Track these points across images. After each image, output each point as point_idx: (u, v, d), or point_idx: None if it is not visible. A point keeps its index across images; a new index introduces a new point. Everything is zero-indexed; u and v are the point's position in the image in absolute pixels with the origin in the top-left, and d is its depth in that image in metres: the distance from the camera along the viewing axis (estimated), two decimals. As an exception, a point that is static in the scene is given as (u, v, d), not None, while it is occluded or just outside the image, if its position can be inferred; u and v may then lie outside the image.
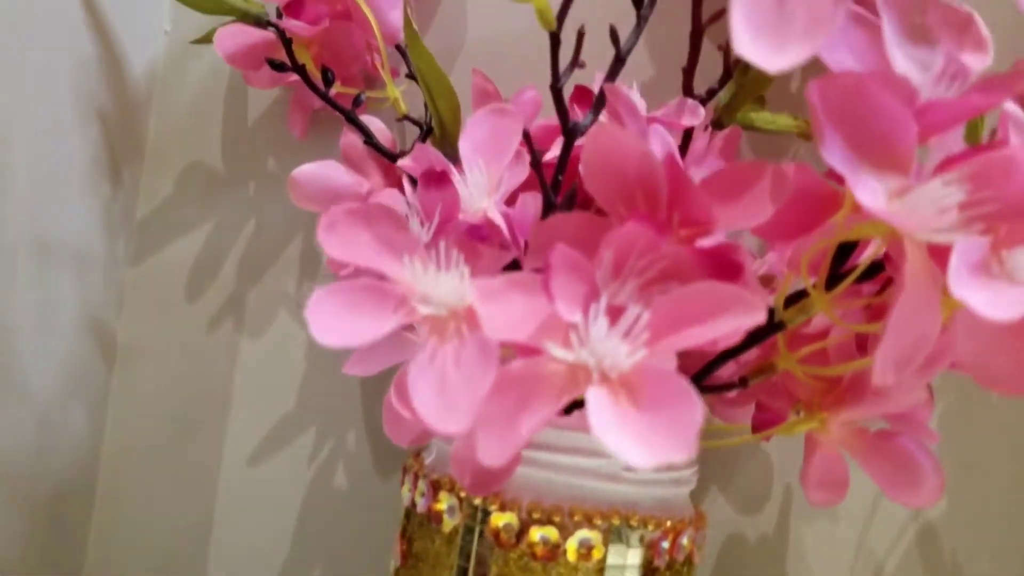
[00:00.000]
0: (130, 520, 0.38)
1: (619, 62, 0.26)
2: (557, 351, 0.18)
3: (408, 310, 0.19)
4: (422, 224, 0.27)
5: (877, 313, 0.23)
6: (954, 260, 0.17)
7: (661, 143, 0.23)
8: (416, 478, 0.27)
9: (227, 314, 0.38)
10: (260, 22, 0.34)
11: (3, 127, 0.31)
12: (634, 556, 0.24)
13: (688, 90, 0.29)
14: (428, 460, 0.27)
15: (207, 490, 0.38)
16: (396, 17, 0.33)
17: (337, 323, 0.19)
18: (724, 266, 0.19)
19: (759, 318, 0.17)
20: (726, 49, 0.29)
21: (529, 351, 0.19)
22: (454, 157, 0.31)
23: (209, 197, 0.38)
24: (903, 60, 0.17)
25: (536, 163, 0.26)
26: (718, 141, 0.30)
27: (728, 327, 0.17)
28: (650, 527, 0.25)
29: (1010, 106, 0.19)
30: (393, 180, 0.33)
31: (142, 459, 0.38)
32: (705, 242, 0.20)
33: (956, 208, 0.17)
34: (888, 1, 0.16)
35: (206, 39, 0.35)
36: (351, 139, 0.33)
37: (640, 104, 0.30)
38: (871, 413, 0.24)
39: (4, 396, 0.33)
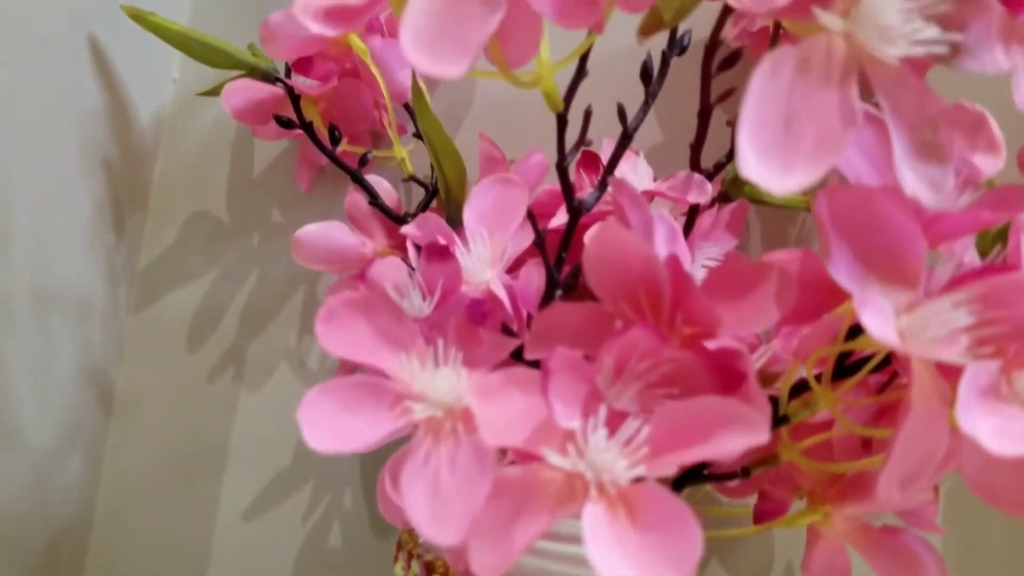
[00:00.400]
0: (123, 573, 0.38)
1: (626, 138, 0.26)
2: (554, 459, 0.18)
3: (403, 410, 0.19)
4: (424, 297, 0.27)
5: (882, 411, 0.23)
6: (963, 388, 0.16)
7: (666, 234, 0.23)
8: (410, 557, 0.26)
9: (227, 366, 0.38)
10: (268, 78, 0.34)
11: (5, 175, 0.31)
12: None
13: (696, 165, 0.28)
14: (422, 538, 0.27)
15: (202, 544, 0.37)
16: (404, 76, 0.33)
17: (330, 425, 0.18)
18: (726, 373, 0.19)
19: (761, 438, 0.17)
20: (734, 124, 0.29)
21: (526, 456, 0.18)
22: (459, 220, 0.31)
23: (213, 247, 0.38)
24: (913, 179, 0.16)
25: (540, 242, 0.26)
26: (725, 214, 0.30)
27: (729, 446, 0.17)
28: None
29: (1022, 219, 0.18)
30: (397, 240, 0.33)
31: (138, 511, 0.38)
32: (709, 346, 0.19)
33: (965, 330, 0.17)
34: (897, 119, 0.16)
35: (214, 92, 0.35)
36: (356, 198, 0.33)
37: (646, 172, 0.30)
38: (876, 510, 0.23)
39: (1, 444, 0.33)
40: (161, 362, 0.38)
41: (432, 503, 0.18)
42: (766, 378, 0.24)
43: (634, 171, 0.30)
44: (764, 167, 0.16)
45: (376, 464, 0.37)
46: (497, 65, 0.20)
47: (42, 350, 0.34)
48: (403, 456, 0.22)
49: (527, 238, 0.28)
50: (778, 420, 0.22)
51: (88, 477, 0.38)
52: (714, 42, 0.24)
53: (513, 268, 0.28)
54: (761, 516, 0.26)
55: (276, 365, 0.38)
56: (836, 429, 0.23)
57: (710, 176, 0.29)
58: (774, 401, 0.22)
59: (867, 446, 0.23)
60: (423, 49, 0.18)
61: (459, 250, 0.27)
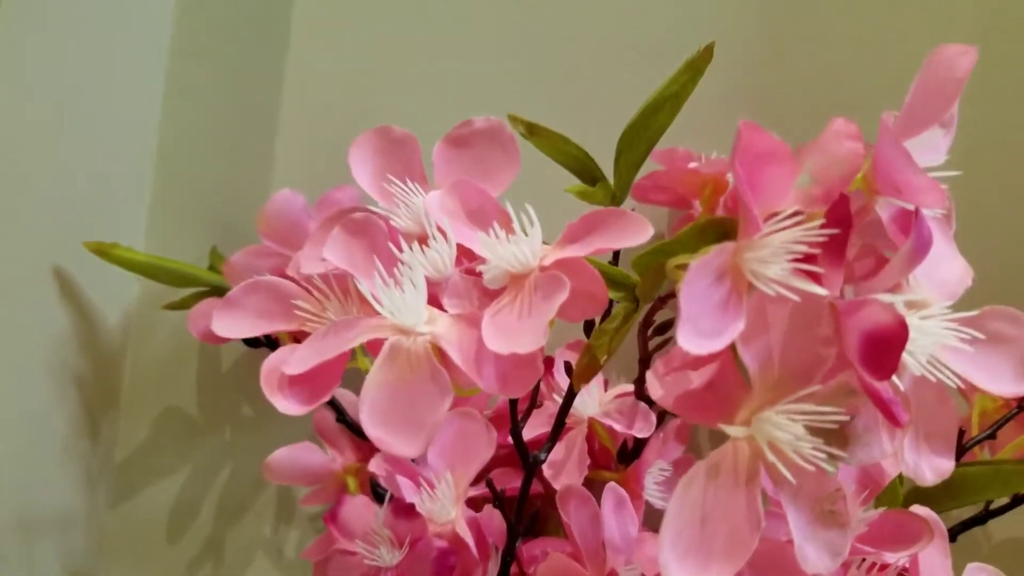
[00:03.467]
0: None
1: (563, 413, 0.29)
2: None
3: None
4: (393, 548, 0.29)
5: None
6: None
7: (614, 507, 0.26)
8: None
9: (206, 557, 0.40)
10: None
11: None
12: None
13: (639, 395, 0.31)
14: None
15: None
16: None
17: None
18: None
19: None
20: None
21: None
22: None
23: (186, 442, 0.40)
24: (813, 550, 0.19)
25: (500, 503, 0.29)
26: (672, 429, 0.33)
27: None
28: None
29: (929, 554, 0.21)
30: (364, 453, 0.36)
31: None
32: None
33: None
34: (796, 501, 0.19)
35: (180, 306, 0.37)
36: (324, 415, 0.36)
37: (597, 395, 0.33)
38: None
39: None
40: (141, 556, 0.40)
41: None
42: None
43: (589, 393, 0.33)
44: (683, 570, 0.18)
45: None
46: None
47: (32, 567, 0.36)
48: None
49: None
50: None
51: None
52: (647, 321, 0.27)
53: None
54: None
55: (254, 555, 0.40)
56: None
57: (652, 402, 0.32)
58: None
59: None
60: (380, 424, 0.21)
61: (424, 493, 0.30)
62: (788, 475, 0.19)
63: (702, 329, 0.17)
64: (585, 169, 0.29)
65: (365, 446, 0.36)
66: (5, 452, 0.34)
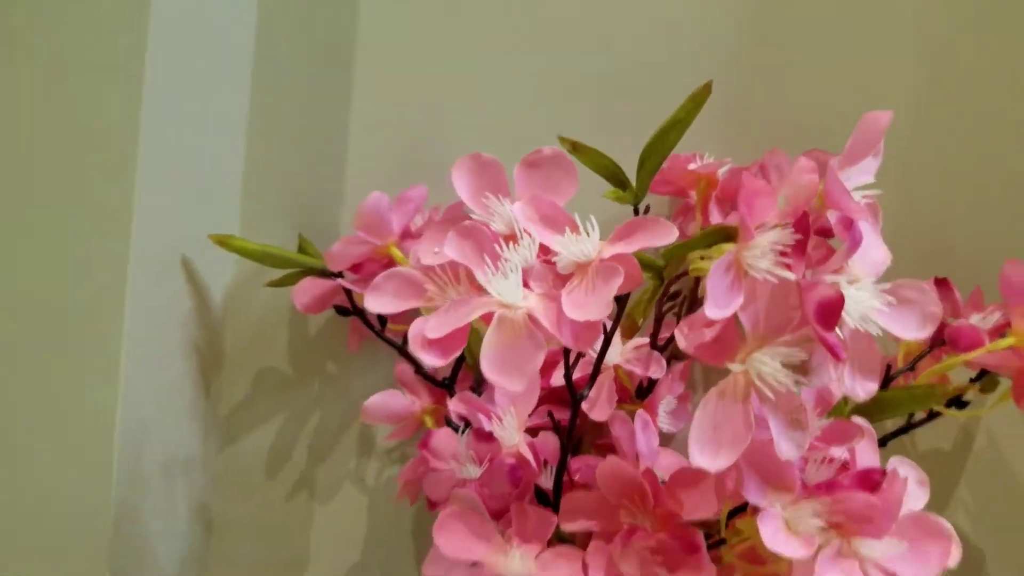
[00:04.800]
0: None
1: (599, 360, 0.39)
2: (592, 610, 0.32)
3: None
4: (476, 464, 0.40)
5: None
6: (819, 560, 0.30)
7: (642, 427, 0.36)
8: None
9: (300, 489, 0.50)
10: (326, 274, 0.46)
11: (137, 387, 0.43)
12: None
13: (653, 345, 0.42)
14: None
15: (295, 626, 0.50)
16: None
17: None
18: (688, 544, 0.33)
19: (712, 588, 0.31)
20: (679, 316, 0.43)
21: (574, 608, 0.32)
22: (483, 382, 0.44)
23: (280, 396, 0.50)
24: (786, 445, 0.30)
25: (558, 429, 0.39)
26: (677, 371, 0.44)
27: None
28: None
29: (863, 448, 0.32)
30: (438, 396, 0.46)
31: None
32: (676, 526, 0.33)
33: (821, 520, 0.31)
34: (775, 412, 0.30)
35: (281, 283, 0.47)
36: (404, 367, 0.46)
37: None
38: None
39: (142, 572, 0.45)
40: (247, 491, 0.50)
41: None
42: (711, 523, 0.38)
43: (613, 346, 0.43)
44: (703, 456, 0.29)
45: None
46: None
47: (172, 504, 0.46)
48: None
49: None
50: (720, 542, 0.37)
51: (198, 583, 0.50)
52: (664, 292, 0.38)
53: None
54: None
55: (340, 485, 0.50)
56: (755, 542, 0.38)
57: (666, 346, 0.42)
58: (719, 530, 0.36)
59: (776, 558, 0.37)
60: (494, 370, 0.31)
61: (495, 423, 0.40)
62: (769, 394, 0.29)
63: (719, 303, 0.27)
64: (616, 176, 0.39)
65: (437, 392, 0.46)
66: (151, 415, 0.44)
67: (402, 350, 0.46)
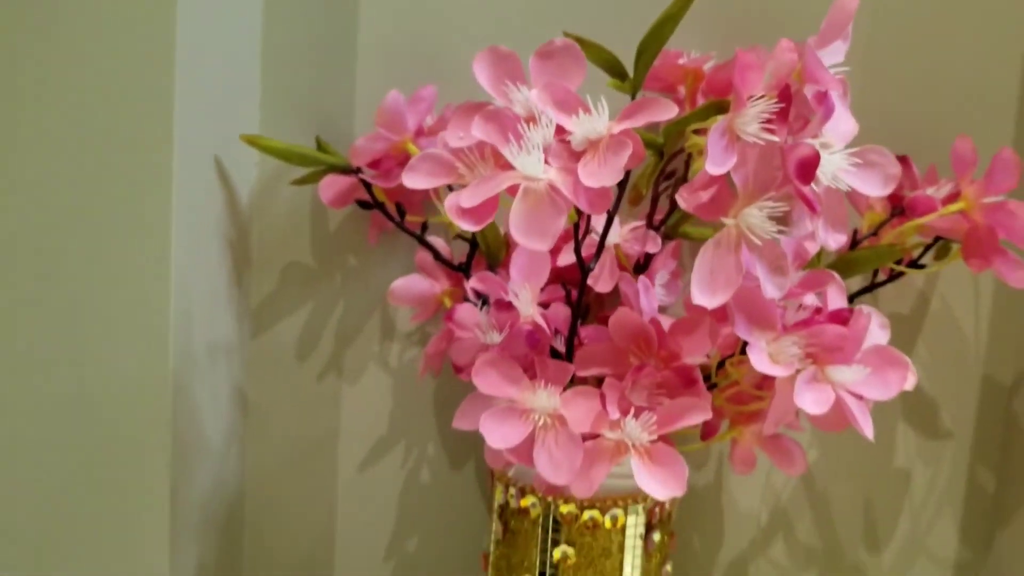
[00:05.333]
0: (266, 522, 0.57)
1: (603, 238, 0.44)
2: (608, 435, 0.38)
3: (530, 422, 0.38)
4: (497, 331, 0.45)
5: (763, 380, 0.43)
6: (798, 383, 0.36)
7: (644, 289, 0.42)
8: (507, 485, 0.46)
9: (329, 370, 0.56)
10: (348, 171, 0.51)
11: (185, 283, 0.47)
12: (641, 520, 0.45)
13: (651, 224, 0.47)
14: (510, 473, 0.46)
15: (328, 496, 0.56)
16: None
17: (493, 428, 0.37)
18: (687, 379, 0.39)
19: (707, 415, 0.37)
20: (672, 197, 0.48)
21: (593, 435, 0.38)
22: (497, 265, 0.49)
23: (305, 287, 0.55)
24: (771, 286, 0.36)
25: (569, 300, 0.45)
26: (669, 248, 0.49)
27: (693, 420, 0.37)
28: (648, 501, 0.45)
29: (832, 290, 0.38)
30: (454, 280, 0.51)
31: (273, 480, 0.56)
32: (677, 364, 0.39)
33: (800, 351, 0.37)
34: (761, 260, 0.36)
35: (305, 181, 0.51)
36: (423, 255, 0.51)
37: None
38: (765, 431, 0.44)
39: (197, 451, 0.50)
40: (278, 373, 0.56)
41: (551, 464, 0.37)
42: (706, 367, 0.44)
43: (613, 227, 0.48)
44: (702, 295, 0.35)
45: (446, 426, 0.56)
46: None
47: (214, 384, 0.51)
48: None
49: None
50: (711, 386, 0.43)
51: (238, 460, 0.56)
52: (673, 205, 0.43)
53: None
54: (704, 436, 0.46)
55: (365, 366, 0.56)
56: (742, 387, 0.44)
57: (661, 225, 0.48)
58: (711, 375, 0.42)
59: (759, 397, 0.44)
60: (522, 234, 0.36)
61: (512, 295, 0.46)
62: (757, 242, 0.35)
63: (716, 162, 0.32)
64: (615, 68, 0.43)
65: (454, 275, 0.52)
66: (196, 304, 0.49)
67: (421, 239, 0.51)
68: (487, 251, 0.50)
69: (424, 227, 0.52)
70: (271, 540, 0.57)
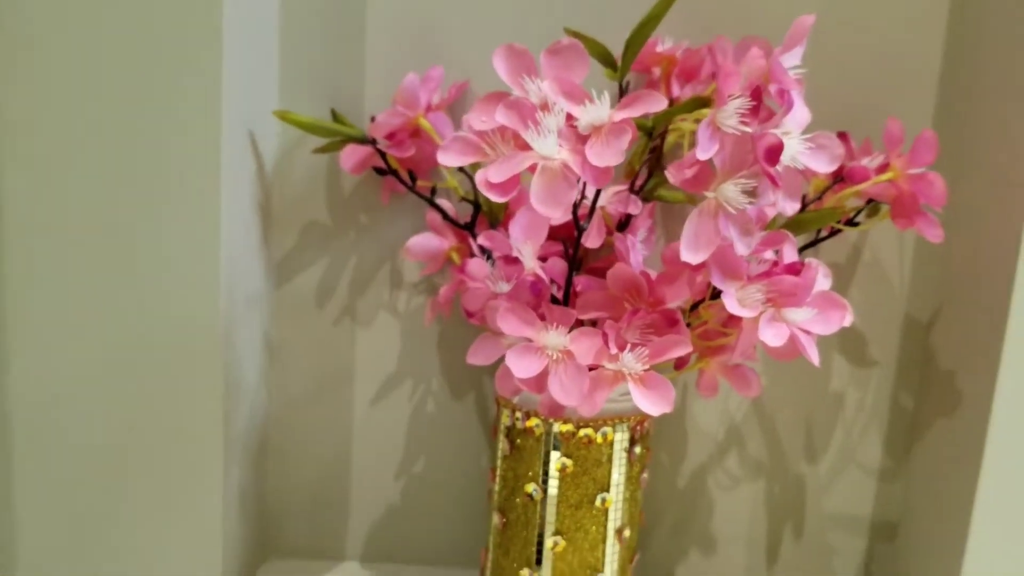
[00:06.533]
0: (290, 448, 0.65)
1: (594, 203, 0.53)
2: (609, 366, 0.47)
3: (544, 356, 0.47)
4: (506, 281, 0.54)
5: (729, 319, 0.53)
6: (761, 322, 0.46)
7: (632, 246, 0.51)
8: (513, 410, 0.55)
9: (345, 316, 0.64)
10: (365, 141, 0.58)
11: (231, 242, 0.55)
12: (626, 436, 0.55)
13: (631, 189, 0.56)
14: (516, 400, 0.56)
15: (344, 426, 0.65)
16: (449, 135, 0.59)
17: (516, 362, 0.46)
18: (671, 320, 0.48)
19: (688, 349, 0.47)
20: (651, 168, 0.57)
21: (596, 366, 0.47)
22: (497, 225, 0.58)
23: (322, 244, 0.63)
24: (741, 244, 0.45)
25: (566, 254, 0.53)
26: (647, 210, 0.59)
27: (677, 353, 0.47)
28: (632, 420, 0.55)
29: (787, 247, 0.48)
30: (460, 237, 0.60)
31: (295, 413, 0.65)
32: (662, 308, 0.49)
33: (762, 296, 0.47)
34: (734, 223, 0.45)
35: (326, 149, 0.59)
36: (433, 215, 0.59)
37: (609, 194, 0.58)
38: (729, 361, 0.54)
39: (238, 386, 0.58)
40: (299, 320, 0.64)
41: (562, 390, 0.47)
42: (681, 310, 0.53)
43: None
44: (688, 253, 0.44)
45: (449, 362, 0.65)
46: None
47: (249, 329, 0.59)
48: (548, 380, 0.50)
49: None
50: (686, 325, 0.53)
51: (265, 395, 0.64)
52: (651, 173, 0.52)
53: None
54: (678, 366, 0.56)
55: (377, 312, 0.64)
56: (710, 326, 0.54)
57: (641, 189, 0.57)
58: (685, 317, 0.52)
59: (724, 333, 0.54)
60: (540, 204, 0.45)
61: (516, 251, 0.54)
62: (732, 211, 0.44)
63: (704, 148, 0.41)
64: (608, 59, 0.52)
65: (460, 233, 0.60)
66: (237, 256, 0.56)
67: (431, 201, 0.59)
68: (488, 213, 0.59)
69: (433, 191, 0.60)
70: (294, 465, 0.66)
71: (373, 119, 0.59)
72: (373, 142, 0.58)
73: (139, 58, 0.51)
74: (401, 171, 0.59)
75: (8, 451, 0.56)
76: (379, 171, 0.59)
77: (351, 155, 0.59)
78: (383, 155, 0.58)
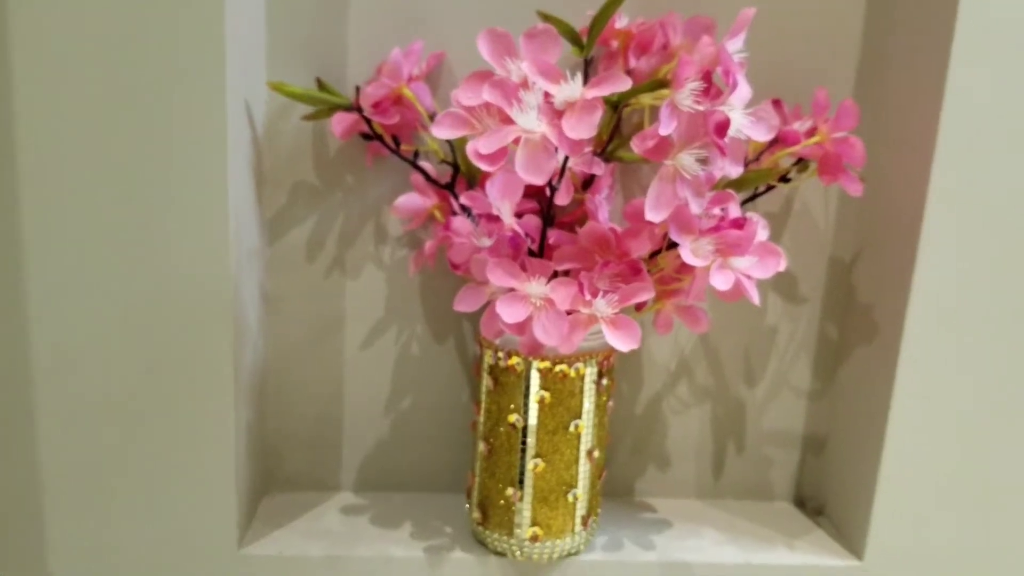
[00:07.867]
0: (287, 387, 0.73)
1: (563, 166, 0.61)
2: (584, 311, 0.56)
3: (528, 303, 0.56)
4: (488, 236, 0.62)
5: (682, 266, 0.62)
6: (712, 269, 0.56)
7: (600, 204, 0.60)
8: (495, 351, 0.64)
9: (334, 268, 0.71)
10: (351, 109, 0.65)
11: (239, 204, 0.61)
12: (595, 370, 0.64)
13: (595, 153, 0.64)
14: (498, 342, 0.64)
15: (336, 369, 0.73)
16: (430, 103, 0.66)
17: (504, 310, 0.55)
18: (635, 269, 0.57)
19: (651, 295, 0.56)
20: (612, 133, 0.65)
21: (572, 311, 0.56)
22: (474, 184, 0.66)
23: (310, 202, 0.70)
24: (694, 203, 0.54)
25: (541, 212, 0.62)
26: (609, 169, 0.67)
27: (642, 298, 0.56)
28: (600, 356, 0.64)
29: (731, 205, 0.57)
30: (441, 196, 0.67)
31: (293, 354, 0.72)
32: (628, 259, 0.57)
33: (712, 248, 0.56)
34: (688, 186, 0.54)
35: (315, 117, 0.65)
36: (416, 176, 0.66)
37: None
38: (682, 303, 0.63)
39: (243, 333, 0.65)
40: (291, 272, 0.71)
41: (544, 332, 0.55)
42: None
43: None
44: (652, 212, 0.53)
45: (431, 309, 0.73)
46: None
47: (250, 282, 0.66)
48: (492, 312, 0.59)
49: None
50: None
51: (264, 342, 0.71)
52: (611, 137, 0.60)
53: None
54: (639, 308, 0.65)
55: (364, 264, 0.71)
56: (666, 272, 0.63)
57: (600, 155, 0.65)
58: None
59: (678, 279, 0.63)
60: (525, 172, 0.53)
61: (495, 209, 0.62)
62: (687, 176, 0.53)
63: (665, 126, 0.50)
64: (575, 38, 0.59)
65: (442, 192, 0.67)
66: (239, 213, 0.62)
67: (414, 164, 0.67)
68: (467, 173, 0.66)
69: (416, 154, 0.67)
70: (291, 405, 0.74)
71: (358, 88, 0.65)
72: (360, 110, 0.65)
73: (151, 33, 0.57)
74: (386, 136, 0.66)
75: (29, 396, 0.62)
76: (366, 136, 0.66)
77: (340, 122, 0.65)
78: (369, 122, 0.65)
